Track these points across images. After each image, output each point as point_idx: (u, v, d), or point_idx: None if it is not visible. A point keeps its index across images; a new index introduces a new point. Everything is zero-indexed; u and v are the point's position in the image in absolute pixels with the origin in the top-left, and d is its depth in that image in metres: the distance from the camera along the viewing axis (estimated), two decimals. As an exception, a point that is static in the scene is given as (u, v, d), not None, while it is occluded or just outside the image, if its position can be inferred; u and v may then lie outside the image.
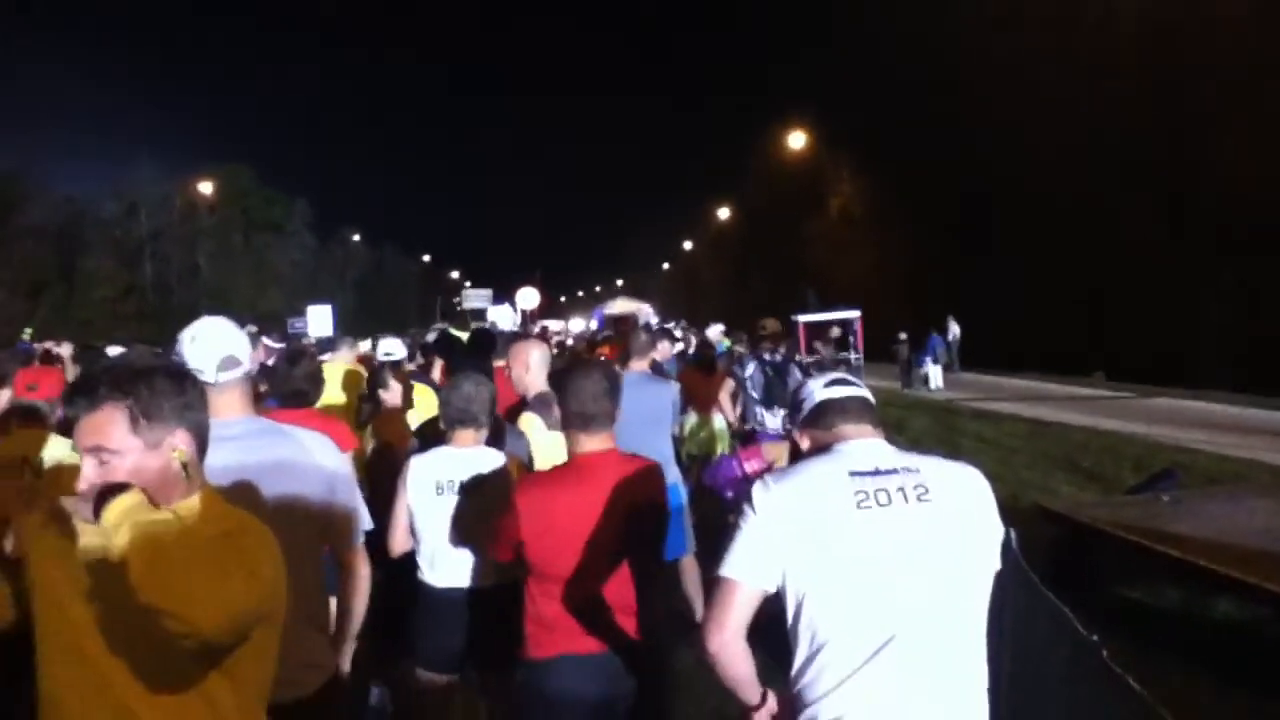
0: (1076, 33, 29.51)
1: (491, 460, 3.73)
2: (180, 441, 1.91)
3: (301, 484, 2.75)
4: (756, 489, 2.22)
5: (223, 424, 2.62)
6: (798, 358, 20.79)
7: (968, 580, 2.16)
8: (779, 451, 6.33)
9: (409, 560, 3.78)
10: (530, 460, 4.19)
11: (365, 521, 3.04)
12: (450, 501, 3.63)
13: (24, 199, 53.30)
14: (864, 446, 2.28)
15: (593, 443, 3.05)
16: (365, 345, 10.23)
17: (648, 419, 5.71)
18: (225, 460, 2.48)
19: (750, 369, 7.66)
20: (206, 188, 60.92)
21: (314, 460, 2.82)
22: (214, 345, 2.77)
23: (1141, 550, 5.70)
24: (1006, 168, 32.87)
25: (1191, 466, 10.32)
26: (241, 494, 2.43)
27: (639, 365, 6.15)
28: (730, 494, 6.27)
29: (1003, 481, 9.42)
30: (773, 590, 2.17)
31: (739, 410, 7.88)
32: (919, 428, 15.76)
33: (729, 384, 7.84)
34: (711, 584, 2.24)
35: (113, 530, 1.66)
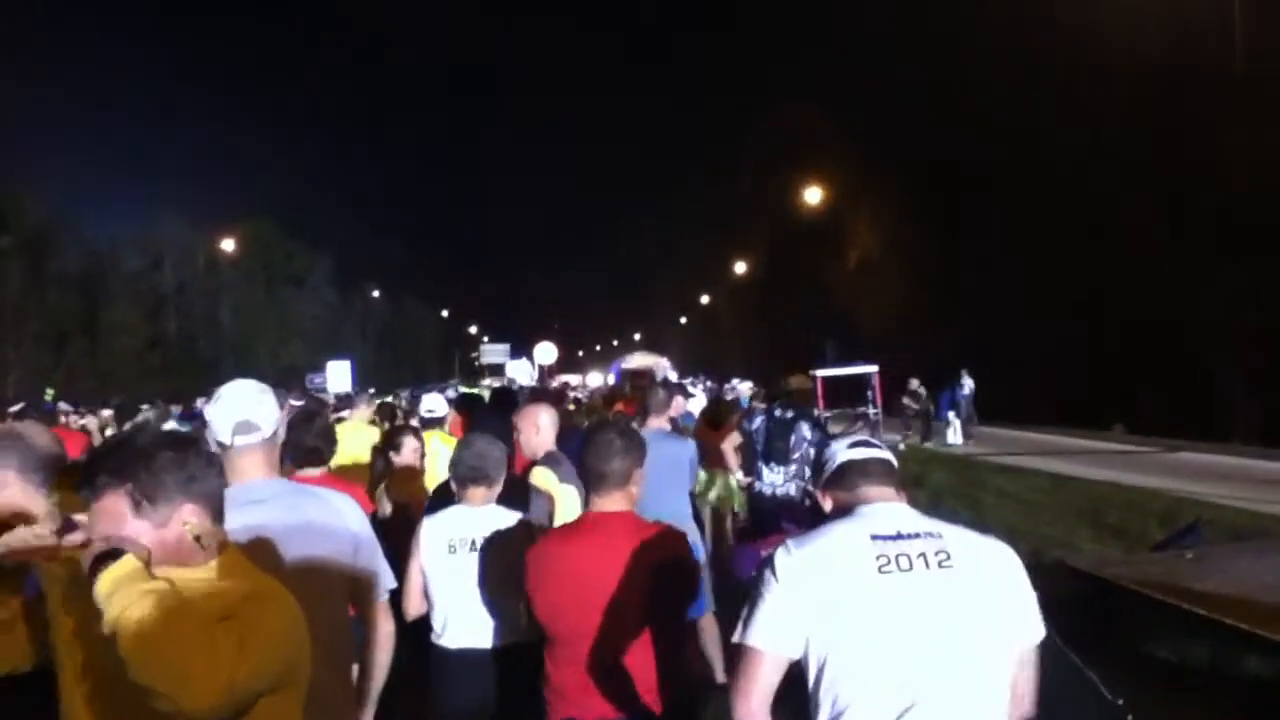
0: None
1: (504, 518, 3.72)
2: (189, 514, 1.92)
3: (328, 545, 2.77)
4: (779, 554, 2.21)
5: (243, 488, 2.69)
6: (816, 412, 20.85)
7: (989, 648, 2.12)
8: None
9: (422, 623, 3.75)
10: (550, 519, 4.18)
11: (389, 580, 3.04)
12: (463, 561, 3.61)
13: (55, 248, 53.93)
14: (886, 510, 2.28)
15: (606, 503, 3.02)
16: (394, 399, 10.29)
17: (666, 477, 5.70)
18: (249, 521, 2.53)
19: (757, 423, 7.59)
20: (230, 242, 61.58)
21: (341, 521, 2.85)
22: (231, 410, 2.78)
23: (1167, 608, 5.63)
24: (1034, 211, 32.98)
25: (1216, 521, 10.18)
26: (266, 555, 2.47)
27: (657, 422, 6.15)
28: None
29: (1026, 538, 9.33)
30: (796, 656, 2.16)
31: (741, 463, 7.89)
32: (939, 482, 15.63)
33: (734, 437, 7.79)
34: (735, 651, 2.23)
35: (105, 599, 1.67)
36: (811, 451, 7.41)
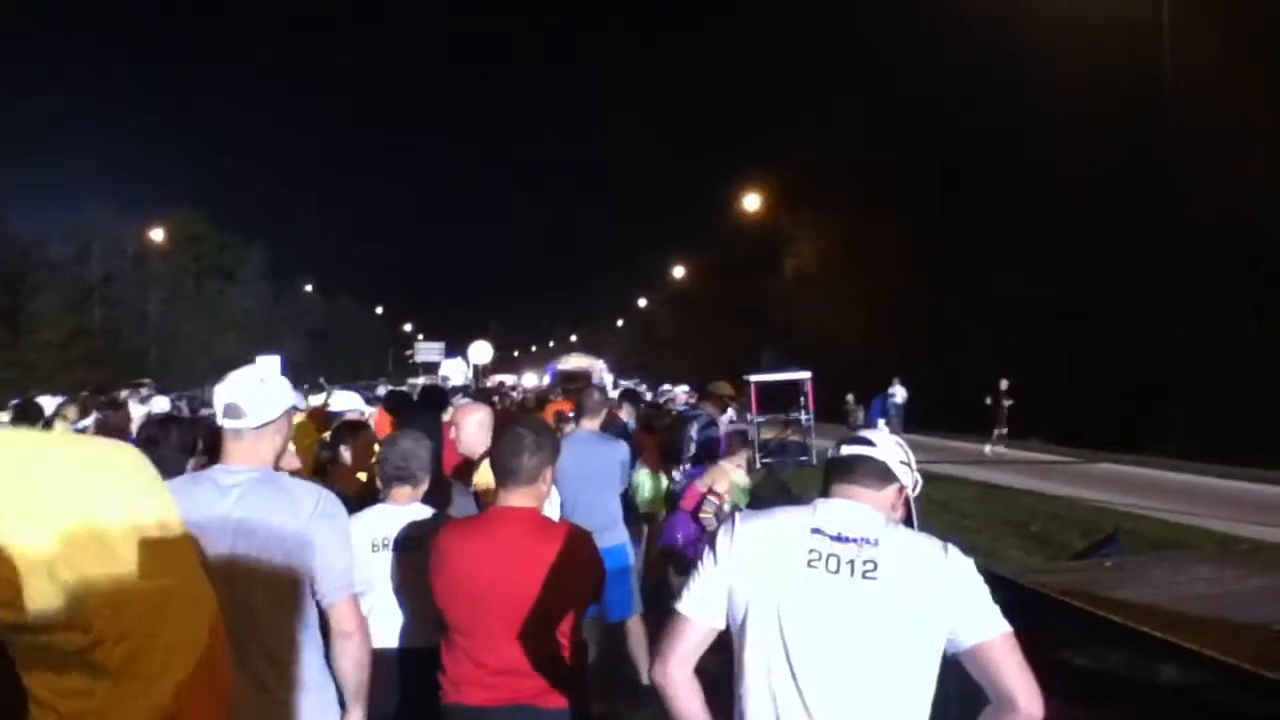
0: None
1: (427, 518, 3.68)
2: None
3: (284, 540, 2.75)
4: (722, 530, 2.30)
5: (225, 470, 2.79)
6: (750, 417, 20.96)
7: (898, 663, 2.12)
8: (714, 476, 6.37)
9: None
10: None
11: (347, 580, 2.95)
12: (385, 559, 3.56)
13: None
14: (842, 507, 2.29)
15: (512, 498, 3.05)
16: (318, 399, 10.10)
17: (597, 477, 5.70)
18: (212, 512, 2.64)
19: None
20: (159, 234, 60.42)
21: (299, 516, 2.81)
22: (226, 392, 2.83)
23: (1086, 616, 5.73)
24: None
25: (1136, 532, 10.42)
26: (217, 544, 2.52)
27: (590, 424, 6.14)
28: (693, 552, 6.27)
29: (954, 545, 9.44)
30: (721, 627, 2.24)
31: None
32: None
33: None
34: (669, 615, 2.31)
35: None
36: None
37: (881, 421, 25.36)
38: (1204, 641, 4.92)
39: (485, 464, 4.62)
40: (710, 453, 7.51)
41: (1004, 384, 23.20)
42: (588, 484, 5.60)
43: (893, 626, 2.11)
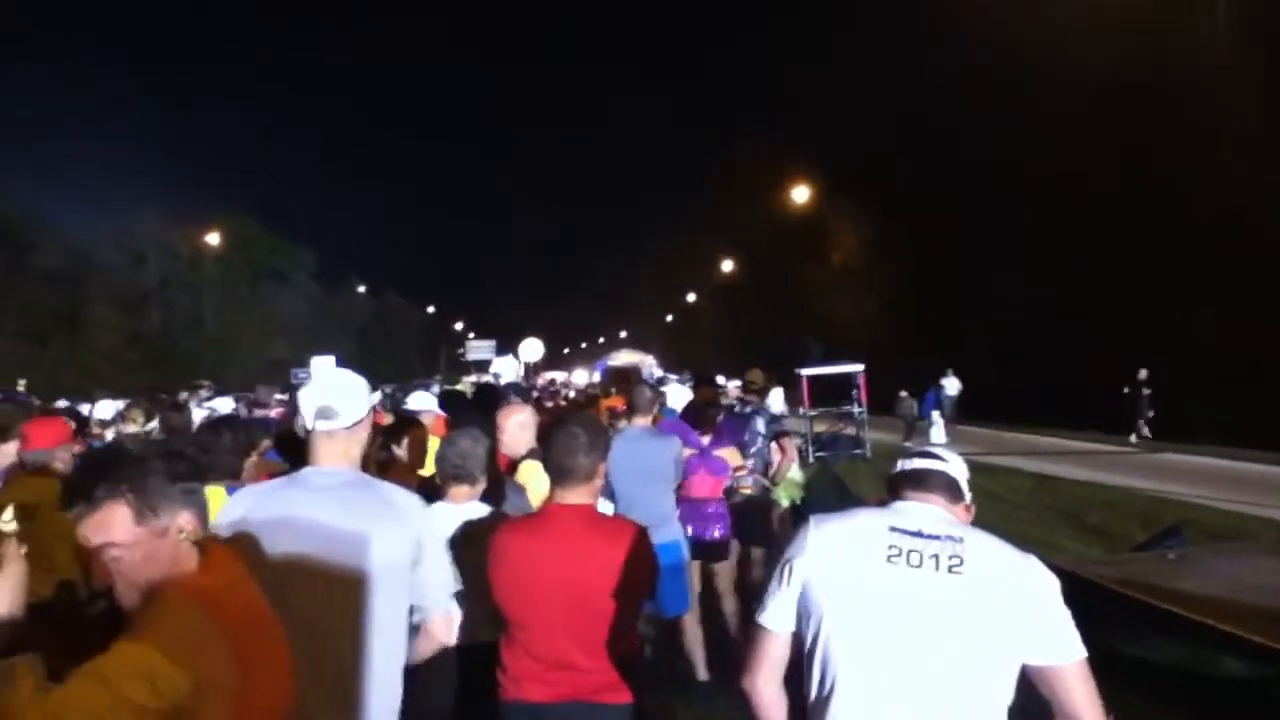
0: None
1: (485, 516, 3.72)
2: (185, 523, 1.98)
3: (378, 545, 2.73)
4: (801, 531, 2.30)
5: (319, 472, 2.80)
6: (801, 411, 20.89)
7: (983, 660, 2.09)
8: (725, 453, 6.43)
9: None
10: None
11: (447, 594, 2.99)
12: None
13: (35, 243, 53.67)
14: (918, 509, 2.29)
15: (568, 495, 3.09)
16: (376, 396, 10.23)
17: (650, 474, 5.71)
18: (307, 513, 2.65)
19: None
20: (213, 237, 61.36)
21: (398, 521, 2.81)
22: (316, 394, 2.86)
23: (1147, 608, 5.65)
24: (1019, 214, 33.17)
25: (1197, 522, 10.25)
26: (287, 544, 2.56)
27: (642, 420, 6.15)
28: (718, 533, 6.33)
29: (1007, 538, 9.33)
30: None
31: None
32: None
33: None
34: (753, 628, 2.34)
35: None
36: (767, 446, 7.59)
37: (935, 413, 25.18)
38: (1268, 634, 4.85)
39: (526, 464, 4.65)
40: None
41: (1142, 373, 23.36)
42: (641, 480, 5.61)
43: (978, 624, 2.08)
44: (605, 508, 5.37)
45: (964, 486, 2.42)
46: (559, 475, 3.09)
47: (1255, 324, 22.83)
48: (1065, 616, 2.13)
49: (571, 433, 3.11)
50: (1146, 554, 7.11)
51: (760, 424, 7.72)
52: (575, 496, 3.09)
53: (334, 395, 2.86)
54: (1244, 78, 23.16)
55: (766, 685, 2.27)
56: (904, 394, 25.88)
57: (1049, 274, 31.76)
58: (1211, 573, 6.24)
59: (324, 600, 2.62)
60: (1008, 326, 33.41)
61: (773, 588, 2.28)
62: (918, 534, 2.19)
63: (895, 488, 2.41)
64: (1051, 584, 2.16)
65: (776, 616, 2.26)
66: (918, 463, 2.43)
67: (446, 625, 2.98)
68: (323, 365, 41.84)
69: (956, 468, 2.43)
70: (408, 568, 2.81)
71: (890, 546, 2.17)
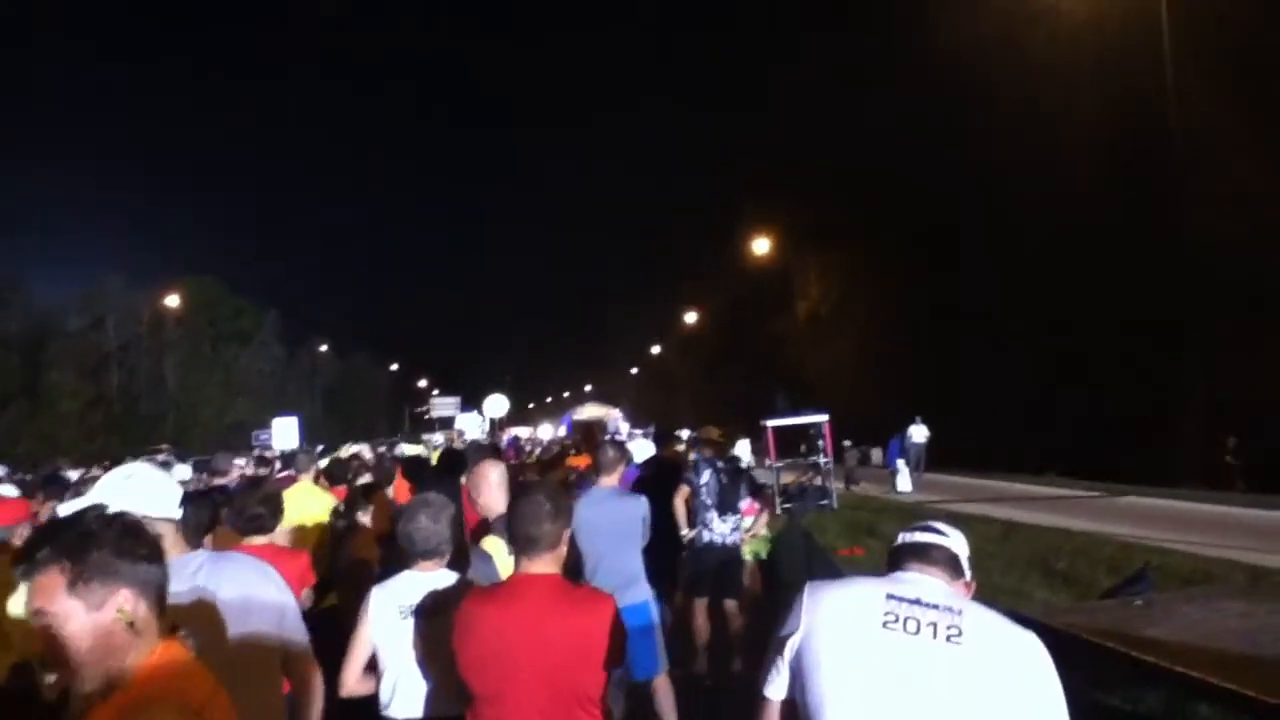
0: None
1: (452, 584, 3.67)
2: (125, 601, 1.88)
3: (263, 614, 2.81)
4: (796, 600, 2.29)
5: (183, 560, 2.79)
6: (768, 463, 20.86)
7: None
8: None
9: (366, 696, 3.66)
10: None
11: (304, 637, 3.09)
12: (411, 627, 3.55)
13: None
14: (916, 578, 2.29)
15: (535, 565, 3.06)
16: (345, 450, 10.15)
17: (617, 535, 5.66)
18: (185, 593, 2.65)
19: (706, 476, 7.67)
20: (174, 300, 61.00)
21: (270, 588, 2.90)
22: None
23: (1118, 656, 5.64)
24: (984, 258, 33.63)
25: (1164, 567, 10.29)
26: (204, 627, 2.49)
27: (609, 481, 6.11)
28: None
29: (979, 589, 9.34)
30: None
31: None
32: (891, 532, 15.64)
33: (683, 490, 7.79)
34: (756, 702, 2.31)
35: None
36: (713, 497, 7.65)
37: (900, 462, 25.25)
38: (1239, 680, 4.84)
39: (494, 542, 4.56)
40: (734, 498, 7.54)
41: (1232, 441, 22.60)
42: (609, 541, 5.55)
43: (975, 695, 2.05)
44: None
45: (964, 563, 2.42)
46: (525, 544, 3.07)
47: (1237, 370, 23.14)
48: (1059, 695, 2.10)
49: (536, 501, 3.10)
50: (1115, 601, 7.12)
51: (706, 474, 7.73)
52: (541, 566, 3.06)
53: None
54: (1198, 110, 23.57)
55: None
56: (847, 443, 26.20)
57: (1019, 320, 32.13)
58: (1180, 618, 6.23)
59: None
60: (975, 375, 33.73)
61: (773, 660, 2.26)
62: (916, 601, 2.18)
63: (897, 560, 2.41)
64: (1047, 660, 2.14)
65: (778, 688, 2.24)
66: (920, 536, 2.44)
67: (314, 670, 3.10)
68: (284, 425, 41.56)
69: (958, 543, 2.44)
70: (276, 630, 2.89)
71: (887, 613, 2.15)
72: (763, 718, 2.27)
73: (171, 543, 2.76)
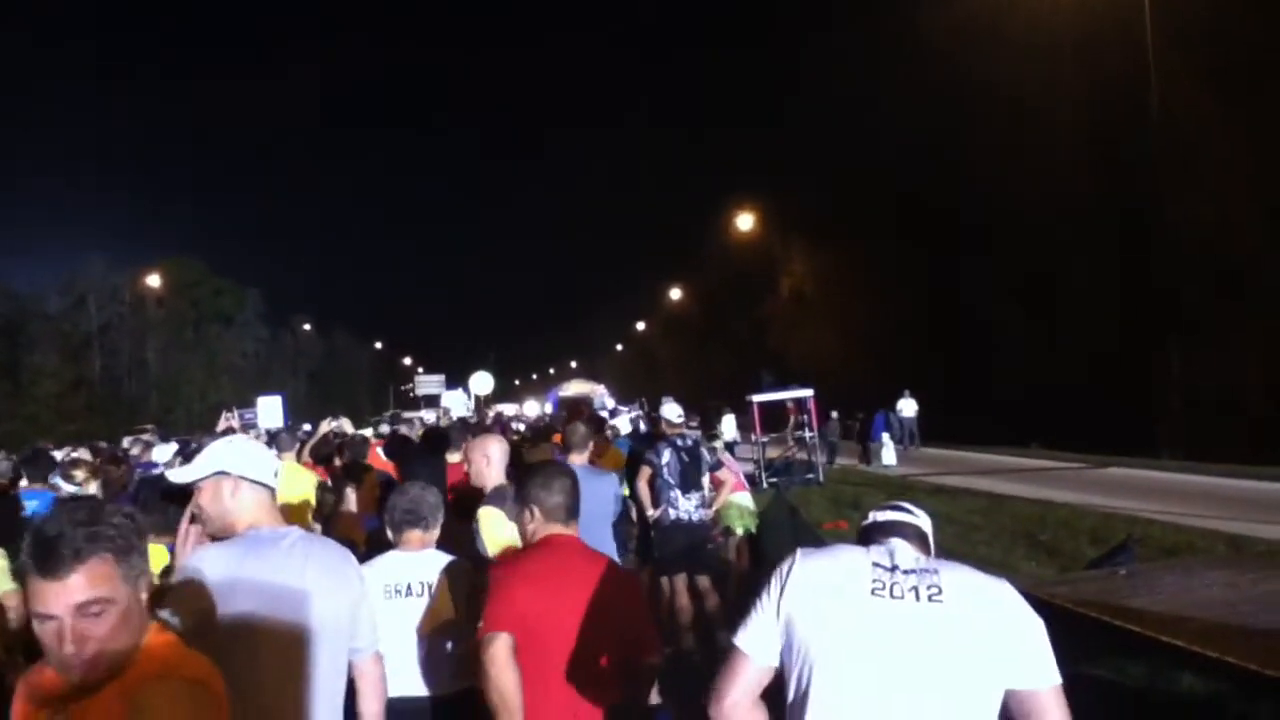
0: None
1: (442, 563, 3.66)
2: (148, 584, 1.93)
3: (337, 597, 2.78)
4: (785, 564, 2.28)
5: (266, 531, 2.80)
6: (754, 438, 20.96)
7: (968, 686, 2.10)
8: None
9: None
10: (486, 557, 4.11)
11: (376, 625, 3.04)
12: (401, 606, 3.54)
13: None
14: (895, 545, 2.33)
15: (569, 530, 3.18)
16: (325, 425, 10.08)
17: (590, 513, 5.64)
18: (264, 569, 2.65)
19: (666, 455, 7.65)
20: (155, 280, 60.59)
21: (346, 573, 2.88)
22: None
23: (1103, 627, 5.69)
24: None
25: (1147, 537, 10.37)
26: (255, 604, 2.56)
27: (578, 459, 6.12)
28: None
29: (963, 560, 9.38)
30: (777, 665, 2.22)
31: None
32: (875, 505, 15.73)
33: (645, 470, 7.75)
34: (726, 650, 2.29)
35: None
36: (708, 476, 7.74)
37: (885, 435, 25.35)
38: (1221, 649, 4.88)
39: (485, 510, 4.54)
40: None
41: None
42: (583, 518, 5.56)
43: (964, 651, 2.10)
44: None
45: (930, 540, 2.49)
46: (568, 513, 3.17)
47: (1225, 352, 23.39)
48: (1044, 638, 2.15)
49: (565, 471, 3.26)
50: (1099, 572, 7.17)
51: (667, 454, 7.68)
52: (572, 530, 3.19)
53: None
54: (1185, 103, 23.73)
55: (736, 711, 2.20)
56: (834, 414, 26.17)
57: (1007, 296, 32.30)
58: (1163, 589, 6.29)
59: (273, 659, 2.59)
60: (960, 348, 33.89)
61: (754, 615, 2.25)
62: (894, 569, 2.22)
63: (869, 537, 2.44)
64: (1026, 607, 2.19)
65: (756, 644, 2.22)
66: (889, 515, 2.51)
67: (379, 664, 3.01)
68: (269, 405, 41.42)
69: (924, 520, 2.52)
70: (350, 621, 2.83)
71: (874, 580, 2.19)
72: (738, 671, 2.23)
73: (267, 511, 2.82)
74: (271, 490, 2.87)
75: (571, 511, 3.16)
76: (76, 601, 1.77)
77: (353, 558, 2.96)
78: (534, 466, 3.50)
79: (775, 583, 2.25)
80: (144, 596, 1.89)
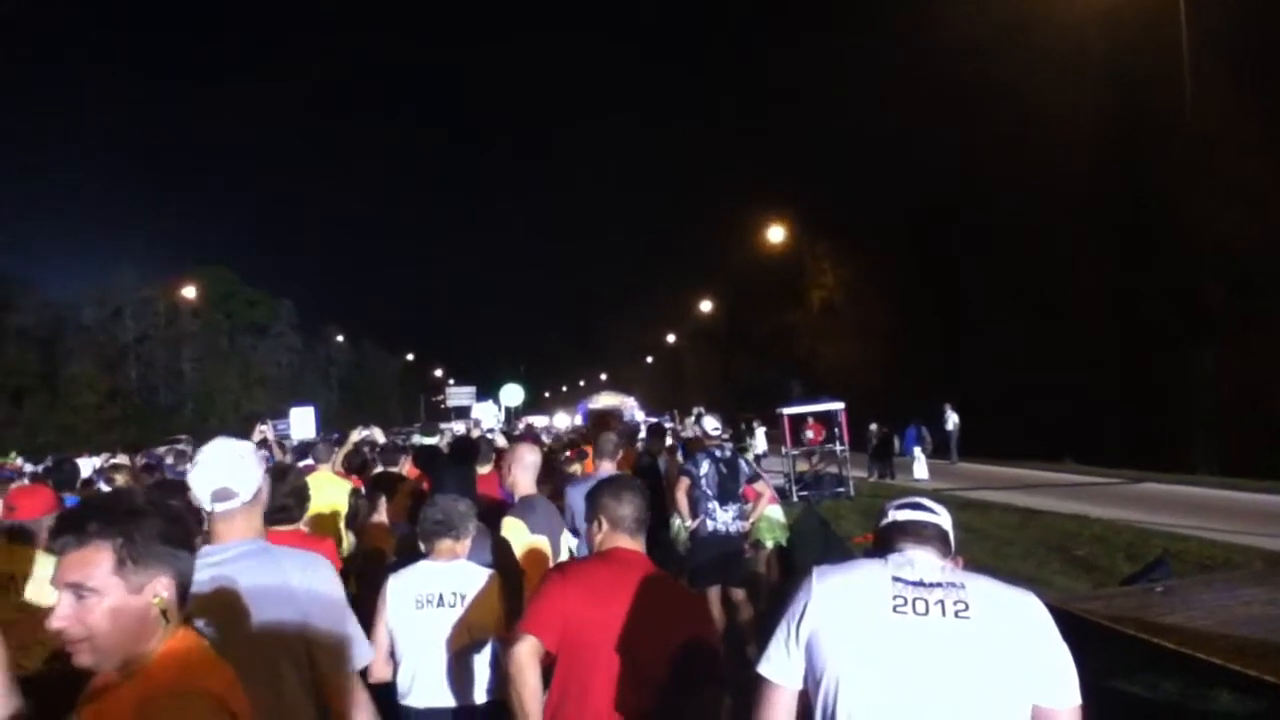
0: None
1: (473, 573, 3.67)
2: (162, 588, 1.88)
3: (291, 607, 2.65)
4: (804, 584, 2.27)
5: (218, 548, 2.69)
6: (784, 450, 20.85)
7: (995, 702, 2.07)
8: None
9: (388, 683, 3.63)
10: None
11: (363, 650, 2.84)
12: (431, 617, 3.54)
13: (10, 303, 53.47)
14: (916, 556, 2.28)
15: (636, 544, 3.14)
16: (355, 434, 10.15)
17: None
18: (209, 583, 2.53)
19: (705, 466, 7.63)
20: (190, 291, 61.16)
21: (308, 583, 2.72)
22: (210, 476, 2.75)
23: (1138, 643, 5.62)
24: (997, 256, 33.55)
25: (1183, 554, 10.26)
26: (223, 613, 2.45)
27: (608, 466, 6.14)
28: None
29: (996, 574, 9.30)
30: (803, 687, 2.22)
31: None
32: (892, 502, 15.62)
33: (683, 482, 7.74)
34: (755, 677, 2.28)
35: None
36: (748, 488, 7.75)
37: (917, 449, 25.16)
38: (1258, 666, 4.82)
39: (508, 520, 4.56)
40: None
41: None
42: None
43: (989, 667, 2.07)
44: (571, 542, 5.34)
45: (952, 539, 2.41)
46: (636, 525, 3.14)
47: (1255, 362, 23.12)
48: (1067, 656, 2.13)
49: (639, 486, 3.23)
50: (1134, 587, 7.09)
51: (706, 465, 7.68)
52: (639, 545, 3.15)
53: (229, 475, 2.76)
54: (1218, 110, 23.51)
55: None
56: (874, 426, 25.89)
57: (1030, 312, 32.10)
58: (1199, 605, 6.22)
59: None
60: (993, 363, 33.65)
61: (776, 641, 2.24)
62: (919, 583, 2.18)
63: (889, 538, 2.38)
64: (1052, 624, 2.16)
65: (782, 671, 2.22)
66: (909, 514, 2.41)
67: (356, 688, 2.80)
68: (302, 416, 41.70)
69: (945, 518, 2.43)
70: (313, 631, 2.70)
71: (895, 597, 2.15)
72: (772, 701, 2.23)
73: (225, 530, 2.76)
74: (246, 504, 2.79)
75: (640, 524, 3.14)
76: (68, 580, 1.79)
77: (326, 570, 2.83)
78: (608, 478, 3.47)
79: (794, 606, 2.24)
80: (155, 602, 1.85)
